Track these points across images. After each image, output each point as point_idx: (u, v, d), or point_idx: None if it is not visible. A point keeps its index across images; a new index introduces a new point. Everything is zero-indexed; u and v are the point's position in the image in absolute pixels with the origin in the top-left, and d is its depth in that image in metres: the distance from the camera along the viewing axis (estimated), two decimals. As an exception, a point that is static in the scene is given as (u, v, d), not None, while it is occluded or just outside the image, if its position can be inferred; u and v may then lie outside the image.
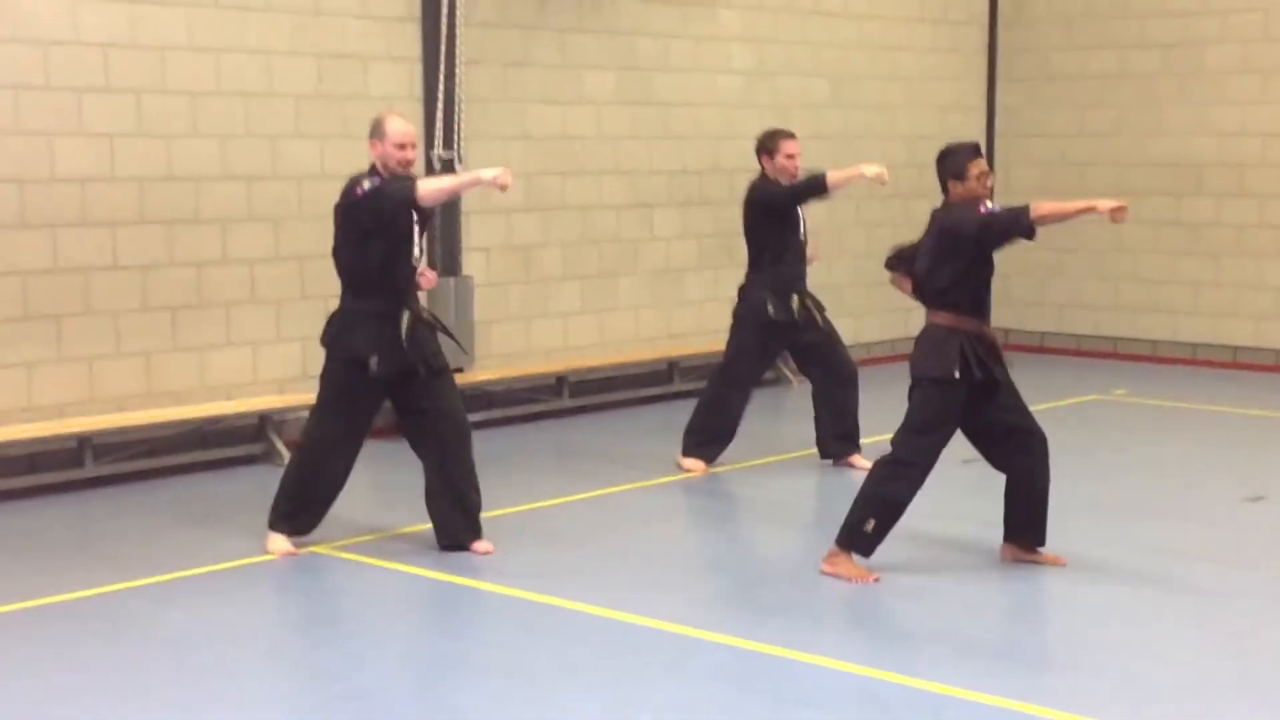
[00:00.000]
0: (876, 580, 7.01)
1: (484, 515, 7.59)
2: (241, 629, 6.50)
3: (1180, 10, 14.16)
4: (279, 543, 7.45)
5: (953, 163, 7.12)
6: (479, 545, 7.46)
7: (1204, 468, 9.73)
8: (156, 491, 8.95)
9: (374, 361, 7.14)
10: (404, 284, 7.27)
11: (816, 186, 9.07)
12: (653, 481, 9.23)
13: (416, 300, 7.38)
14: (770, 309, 9.19)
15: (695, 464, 9.35)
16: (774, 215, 9.23)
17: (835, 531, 7.16)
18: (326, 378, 7.42)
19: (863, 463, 9.21)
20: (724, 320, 12.65)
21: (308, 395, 9.79)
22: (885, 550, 7.15)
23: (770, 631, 6.37)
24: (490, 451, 10.00)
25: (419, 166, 10.27)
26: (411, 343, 7.22)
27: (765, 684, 5.81)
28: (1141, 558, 7.51)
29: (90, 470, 8.88)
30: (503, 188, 7.00)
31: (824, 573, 7.09)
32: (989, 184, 7.09)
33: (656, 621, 6.47)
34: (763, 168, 9.28)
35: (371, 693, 5.73)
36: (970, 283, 7.05)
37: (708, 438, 9.39)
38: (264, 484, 9.14)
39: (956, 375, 6.92)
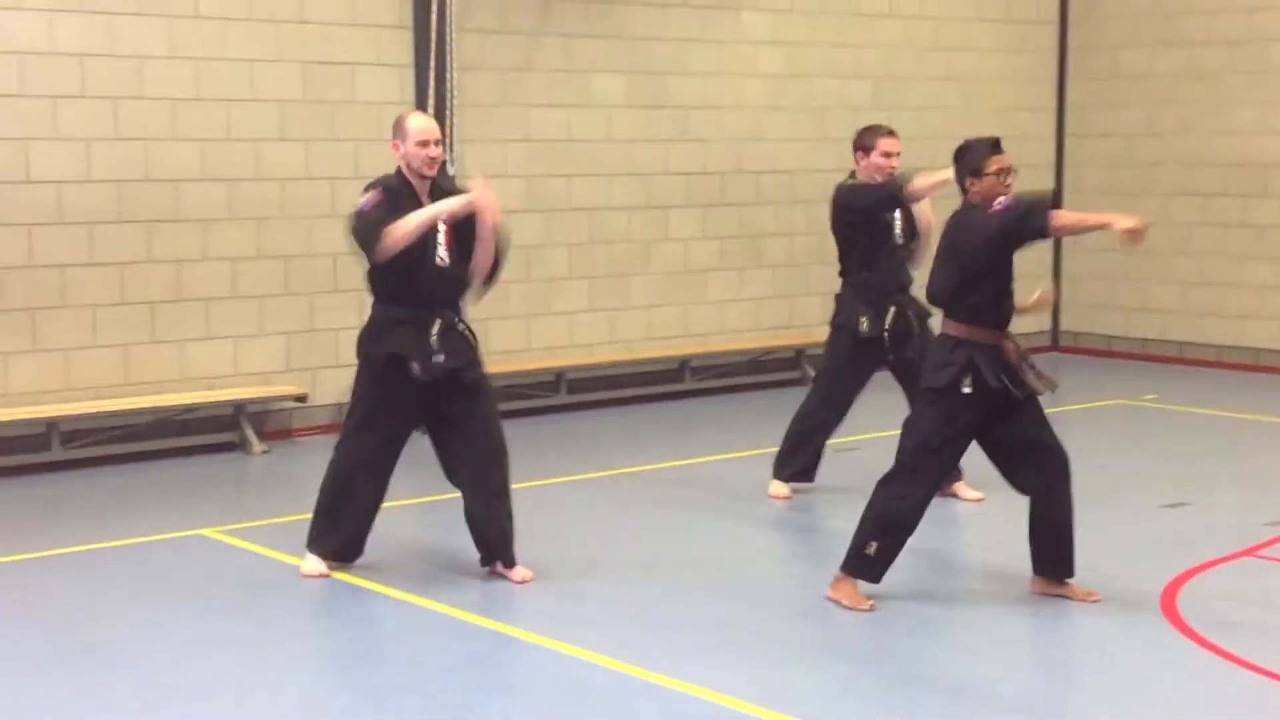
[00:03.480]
0: (871, 609, 6.65)
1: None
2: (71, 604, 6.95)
3: (1247, 6, 13.72)
4: (311, 564, 7.20)
5: (971, 159, 6.65)
6: (514, 574, 7.16)
7: (1137, 475, 9.48)
8: (124, 475, 9.51)
9: (415, 366, 6.84)
10: (428, 291, 6.93)
11: (894, 196, 8.28)
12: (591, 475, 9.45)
13: (455, 308, 7.08)
14: (864, 324, 8.46)
15: (779, 489, 8.77)
16: (856, 219, 8.49)
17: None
18: (361, 391, 7.09)
19: (968, 493, 8.58)
20: (747, 320, 12.88)
21: (286, 388, 10.37)
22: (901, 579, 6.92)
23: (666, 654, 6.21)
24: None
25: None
26: (444, 349, 6.90)
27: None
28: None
29: (57, 454, 9.49)
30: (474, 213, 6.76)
31: (827, 598, 6.77)
32: (1010, 182, 6.61)
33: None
34: (856, 166, 8.59)
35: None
36: (983, 291, 6.60)
37: (794, 457, 8.75)
38: (233, 471, 9.69)
39: (966, 390, 6.53)
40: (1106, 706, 5.70)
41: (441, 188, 7.02)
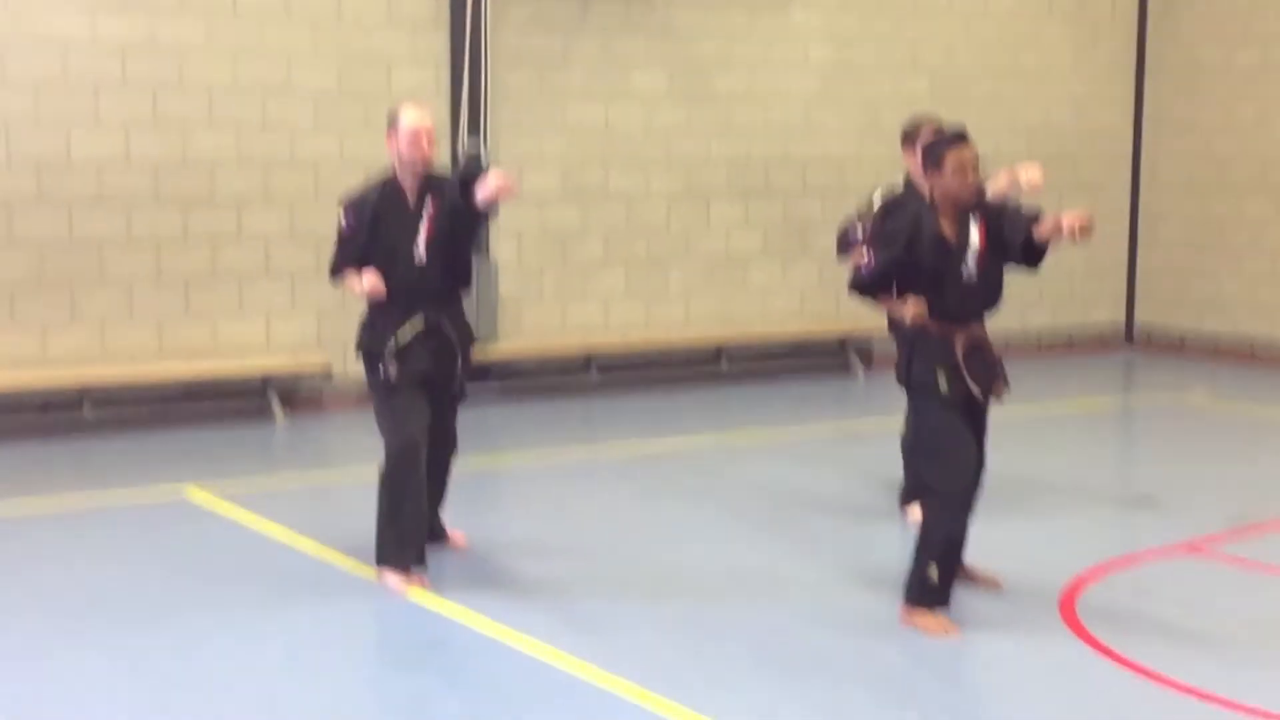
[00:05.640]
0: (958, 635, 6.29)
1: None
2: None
3: (1323, -1, 13.49)
4: (393, 579, 6.94)
5: (930, 153, 6.16)
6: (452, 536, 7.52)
7: (1120, 472, 9.48)
8: (144, 440, 10.13)
9: (387, 369, 6.89)
10: (404, 289, 6.92)
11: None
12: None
13: (437, 308, 7.00)
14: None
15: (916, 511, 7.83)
16: None
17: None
18: (370, 387, 7.09)
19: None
20: (789, 310, 13.06)
21: (311, 359, 10.95)
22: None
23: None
24: (485, 419, 10.73)
25: (444, 159, 11.21)
26: (416, 351, 6.93)
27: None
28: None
29: (89, 416, 10.22)
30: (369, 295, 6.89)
31: (904, 624, 6.39)
32: (970, 179, 6.11)
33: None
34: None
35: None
36: (917, 284, 6.25)
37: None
38: (249, 440, 10.28)
39: (943, 387, 6.22)
40: (950, 684, 5.92)
41: (434, 180, 7.03)
